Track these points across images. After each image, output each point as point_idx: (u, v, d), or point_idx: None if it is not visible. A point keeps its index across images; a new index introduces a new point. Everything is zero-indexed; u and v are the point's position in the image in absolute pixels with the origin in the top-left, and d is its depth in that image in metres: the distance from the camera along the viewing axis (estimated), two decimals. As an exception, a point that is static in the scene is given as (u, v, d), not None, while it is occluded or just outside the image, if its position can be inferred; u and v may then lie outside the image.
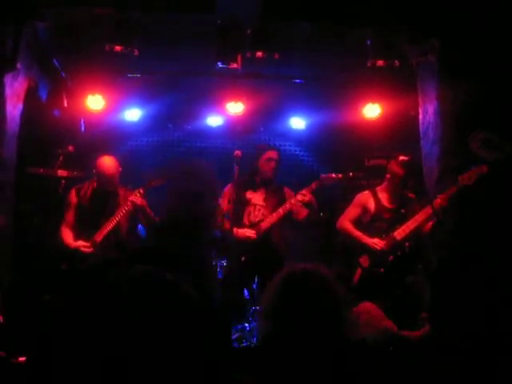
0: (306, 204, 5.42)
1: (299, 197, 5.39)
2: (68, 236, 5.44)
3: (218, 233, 5.68)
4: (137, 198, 5.32)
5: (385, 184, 5.47)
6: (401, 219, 5.25)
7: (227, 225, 5.48)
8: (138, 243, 5.76)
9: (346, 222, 5.47)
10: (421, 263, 5.45)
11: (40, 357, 1.94)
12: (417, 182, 5.44)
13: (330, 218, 6.23)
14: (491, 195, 5.19)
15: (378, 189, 5.49)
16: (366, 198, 5.48)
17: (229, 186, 5.66)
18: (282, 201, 5.57)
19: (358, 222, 5.45)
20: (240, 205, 5.43)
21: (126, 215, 5.39)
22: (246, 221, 5.53)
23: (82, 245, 5.33)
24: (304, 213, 5.50)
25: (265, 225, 5.47)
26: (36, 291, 4.31)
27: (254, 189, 5.63)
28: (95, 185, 5.53)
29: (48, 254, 5.79)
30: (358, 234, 5.33)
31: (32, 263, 5.66)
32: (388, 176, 5.42)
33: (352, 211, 5.51)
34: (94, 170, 5.53)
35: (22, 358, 2.59)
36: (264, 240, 5.47)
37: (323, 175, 5.56)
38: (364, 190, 5.65)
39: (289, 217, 5.56)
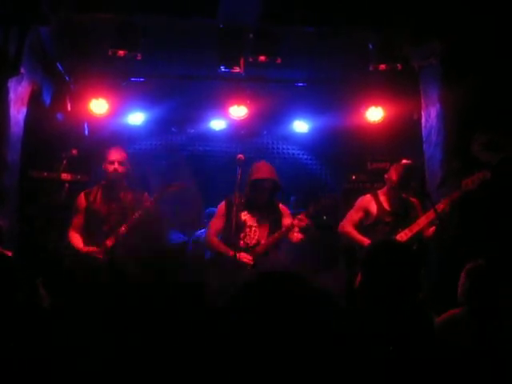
0: (303, 229, 5.15)
1: (296, 222, 5.13)
2: (77, 240, 5.33)
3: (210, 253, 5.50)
4: (150, 205, 5.24)
5: (385, 188, 5.47)
6: (402, 223, 5.23)
7: (221, 246, 5.21)
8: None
9: (348, 225, 5.41)
10: (422, 267, 5.43)
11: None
12: (419, 186, 5.42)
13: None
14: (493, 198, 5.19)
15: (380, 192, 5.47)
16: (367, 202, 5.45)
17: (223, 203, 5.34)
18: (277, 220, 5.32)
19: (359, 226, 5.41)
20: (235, 227, 5.01)
21: (138, 221, 5.26)
22: (241, 243, 5.21)
23: (93, 250, 5.22)
24: (299, 236, 5.19)
25: (260, 250, 5.21)
26: (38, 295, 4.31)
27: (249, 209, 5.30)
28: (104, 187, 5.45)
29: (51, 257, 5.80)
30: (360, 238, 5.26)
31: (35, 266, 5.66)
32: (386, 180, 5.41)
33: (354, 215, 5.46)
34: (102, 166, 5.43)
35: None
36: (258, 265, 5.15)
37: (321, 197, 5.25)
38: (366, 193, 5.63)
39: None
